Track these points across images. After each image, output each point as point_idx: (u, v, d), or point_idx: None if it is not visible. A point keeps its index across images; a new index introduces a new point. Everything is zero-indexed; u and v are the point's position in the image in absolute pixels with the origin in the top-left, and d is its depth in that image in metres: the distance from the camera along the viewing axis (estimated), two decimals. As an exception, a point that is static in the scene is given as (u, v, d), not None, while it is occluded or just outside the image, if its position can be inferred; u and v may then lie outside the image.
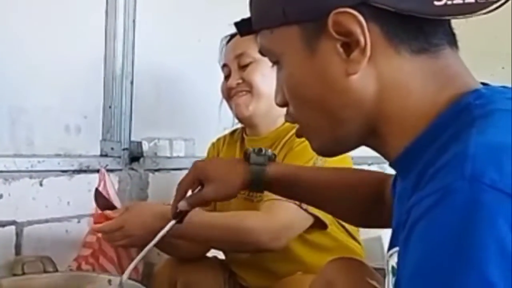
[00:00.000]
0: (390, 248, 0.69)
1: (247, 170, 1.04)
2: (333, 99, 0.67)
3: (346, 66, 0.65)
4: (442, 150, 0.58)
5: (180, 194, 1.05)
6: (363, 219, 1.09)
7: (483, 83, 0.68)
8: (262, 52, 0.74)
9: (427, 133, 0.64)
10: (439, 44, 0.66)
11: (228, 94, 1.48)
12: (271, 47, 0.72)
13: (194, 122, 2.01)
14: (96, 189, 1.46)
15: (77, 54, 1.68)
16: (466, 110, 0.61)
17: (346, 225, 1.42)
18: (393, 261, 0.67)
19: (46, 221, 1.58)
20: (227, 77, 1.49)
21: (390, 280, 0.70)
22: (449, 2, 0.62)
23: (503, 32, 2.70)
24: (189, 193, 1.06)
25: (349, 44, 0.64)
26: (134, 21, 1.76)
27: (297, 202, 1.27)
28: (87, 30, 1.72)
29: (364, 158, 2.55)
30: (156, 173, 1.85)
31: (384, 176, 1.04)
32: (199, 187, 1.05)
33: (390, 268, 0.69)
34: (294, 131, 1.39)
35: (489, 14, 0.65)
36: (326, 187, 1.05)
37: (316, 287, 1.04)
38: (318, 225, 1.35)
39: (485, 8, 0.62)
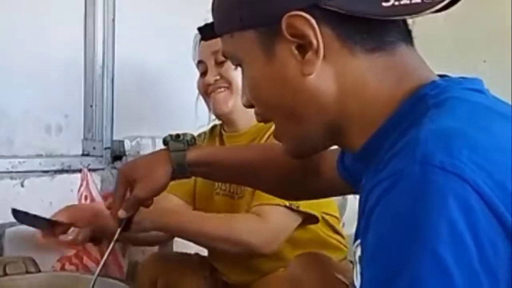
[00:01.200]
0: (356, 238, 0.70)
1: (169, 159, 1.04)
2: (293, 100, 0.70)
3: (301, 67, 0.67)
4: (398, 139, 0.60)
5: (118, 204, 1.06)
6: (290, 192, 1.09)
7: (441, 75, 0.70)
8: (225, 56, 0.77)
9: (385, 126, 0.66)
10: (393, 41, 0.68)
11: (206, 91, 1.47)
12: (231, 51, 0.75)
13: (177, 120, 1.99)
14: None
15: (57, 53, 1.67)
16: (422, 101, 0.63)
17: (329, 220, 1.42)
18: (360, 250, 0.68)
19: (29, 222, 1.56)
20: (203, 73, 1.48)
21: (357, 270, 0.71)
22: (397, 3, 0.64)
23: (482, 25, 2.71)
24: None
25: (304, 46, 0.67)
26: (113, 19, 1.75)
27: (286, 203, 1.28)
28: (66, 29, 1.71)
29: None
30: (139, 171, 1.84)
31: None
32: (128, 216, 1.06)
33: (357, 259, 0.70)
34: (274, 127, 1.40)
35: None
36: (249, 164, 1.06)
37: (283, 283, 1.04)
38: (306, 221, 1.35)
39: (432, 7, 0.65)
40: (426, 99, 0.63)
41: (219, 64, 1.43)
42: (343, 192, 1.01)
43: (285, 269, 1.32)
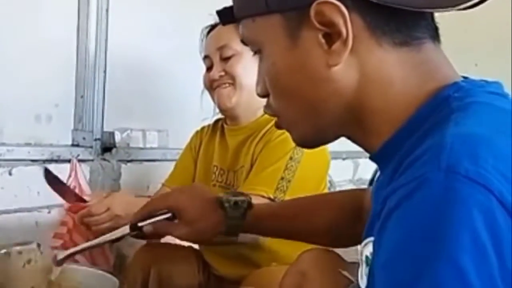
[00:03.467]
0: (364, 237, 0.69)
1: (224, 222, 1.05)
2: (314, 90, 0.67)
3: (327, 57, 0.64)
4: (419, 142, 0.58)
5: (147, 212, 1.06)
6: (339, 239, 1.09)
7: (464, 77, 0.68)
8: (244, 41, 0.74)
9: (407, 125, 0.64)
10: (421, 37, 0.66)
11: (211, 86, 1.48)
12: (253, 36, 0.71)
13: (168, 113, 1.99)
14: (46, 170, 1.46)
15: (49, 42, 1.65)
16: (445, 103, 0.62)
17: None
18: (367, 250, 0.67)
19: (15, 211, 1.56)
20: (209, 68, 1.48)
21: (363, 270, 0.70)
22: None
23: (475, 27, 2.72)
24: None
25: (331, 35, 0.64)
26: (107, 10, 1.74)
27: (271, 196, 1.29)
28: (59, 19, 1.69)
29: (339, 153, 2.57)
30: (129, 164, 1.84)
31: (359, 192, 1.06)
32: (169, 214, 1.05)
33: (363, 258, 0.69)
34: (273, 122, 1.40)
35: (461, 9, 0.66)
36: (303, 220, 1.08)
37: (289, 277, 1.04)
38: None
39: (468, 0, 0.62)
40: (449, 102, 0.61)
41: (224, 60, 1.44)
42: None
43: (277, 265, 1.33)
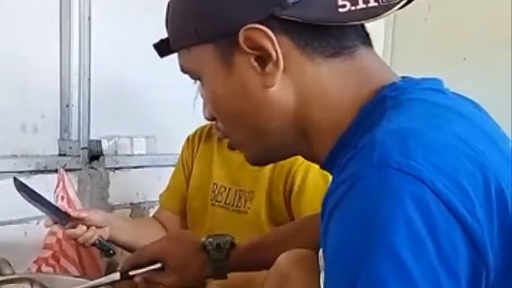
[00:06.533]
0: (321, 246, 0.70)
1: (209, 264, 1.09)
2: (256, 112, 0.69)
3: (262, 79, 0.66)
4: (357, 144, 0.60)
5: (137, 261, 1.12)
6: None
7: (403, 77, 0.70)
8: (183, 70, 0.75)
9: (348, 130, 0.66)
10: (352, 46, 0.68)
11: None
12: (190, 66, 0.73)
13: (155, 119, 1.98)
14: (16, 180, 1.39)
15: (32, 51, 1.65)
16: (382, 103, 0.63)
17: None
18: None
19: (3, 223, 1.55)
20: None
21: (322, 276, 0.71)
22: (353, 8, 0.64)
23: (463, 20, 2.72)
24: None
25: (263, 58, 0.66)
26: (89, 18, 1.73)
27: None
28: (41, 27, 1.68)
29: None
30: (117, 171, 1.84)
31: None
32: (159, 265, 1.10)
33: (322, 264, 0.70)
34: None
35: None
36: (284, 248, 1.06)
37: (270, 279, 1.05)
38: None
39: (389, 9, 0.64)
40: (385, 101, 0.63)
41: None
42: None
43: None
